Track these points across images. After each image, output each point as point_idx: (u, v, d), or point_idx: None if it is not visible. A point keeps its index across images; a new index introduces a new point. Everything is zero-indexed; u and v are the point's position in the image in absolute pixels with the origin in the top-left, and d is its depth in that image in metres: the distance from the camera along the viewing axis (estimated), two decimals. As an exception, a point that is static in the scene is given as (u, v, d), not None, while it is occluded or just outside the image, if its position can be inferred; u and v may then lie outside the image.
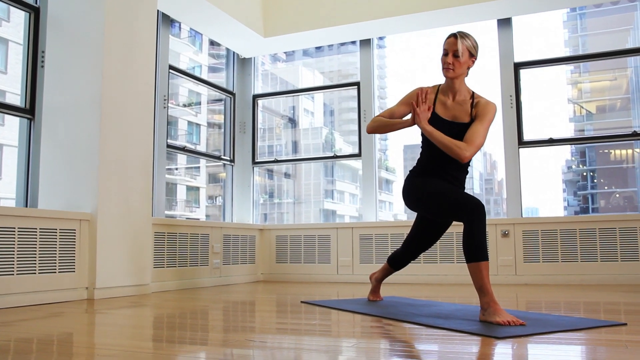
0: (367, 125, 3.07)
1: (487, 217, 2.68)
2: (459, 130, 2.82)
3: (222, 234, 5.32)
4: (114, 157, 3.98)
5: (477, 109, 2.83)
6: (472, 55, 2.84)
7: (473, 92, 2.91)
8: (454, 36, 2.83)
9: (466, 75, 2.89)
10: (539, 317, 2.64)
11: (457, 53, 2.80)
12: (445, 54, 2.84)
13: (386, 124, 2.97)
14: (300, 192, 7.76)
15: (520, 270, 5.00)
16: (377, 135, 6.06)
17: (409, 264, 3.63)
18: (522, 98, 5.44)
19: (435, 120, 2.87)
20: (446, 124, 2.85)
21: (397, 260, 3.37)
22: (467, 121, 2.83)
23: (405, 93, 3.03)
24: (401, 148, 7.98)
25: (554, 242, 4.94)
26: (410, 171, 3.04)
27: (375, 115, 3.12)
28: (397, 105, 3.03)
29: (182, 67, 5.95)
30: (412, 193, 2.94)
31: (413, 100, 2.85)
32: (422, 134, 2.91)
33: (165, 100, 5.14)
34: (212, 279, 5.11)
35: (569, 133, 6.43)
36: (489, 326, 2.33)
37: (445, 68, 2.83)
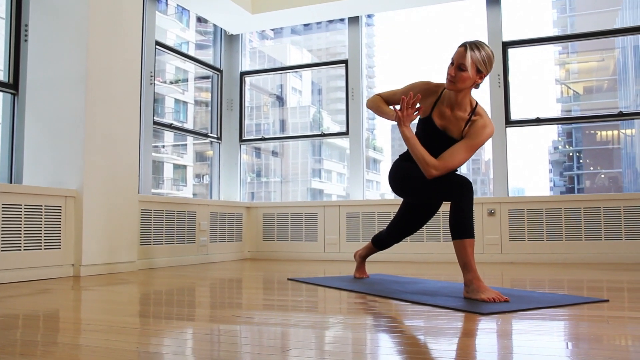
0: (368, 100, 3.02)
1: (474, 195, 2.67)
2: (446, 142, 2.71)
3: (209, 212, 5.32)
4: (100, 133, 3.95)
5: (470, 128, 2.65)
6: (480, 72, 2.58)
7: (475, 108, 2.69)
8: (463, 46, 2.58)
9: (475, 88, 2.67)
10: (523, 294, 2.66)
11: (463, 67, 2.56)
12: (452, 64, 2.60)
13: (378, 108, 2.93)
14: (288, 170, 7.76)
15: (505, 249, 5.04)
16: (365, 114, 6.05)
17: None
18: (510, 78, 5.44)
19: (427, 124, 2.76)
20: (436, 131, 2.73)
21: (381, 242, 3.37)
22: (457, 137, 2.69)
23: (411, 81, 2.89)
24: (389, 128, 7.99)
25: (540, 221, 4.99)
26: (399, 155, 3.02)
27: (377, 93, 3.04)
28: (399, 90, 2.92)
29: (169, 43, 5.88)
30: (398, 176, 2.92)
31: (408, 96, 2.68)
32: (419, 119, 2.83)
33: (151, 77, 5.09)
34: (198, 257, 5.11)
35: (556, 113, 6.46)
36: (473, 303, 2.35)
37: (448, 80, 2.61)
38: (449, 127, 2.71)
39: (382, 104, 2.94)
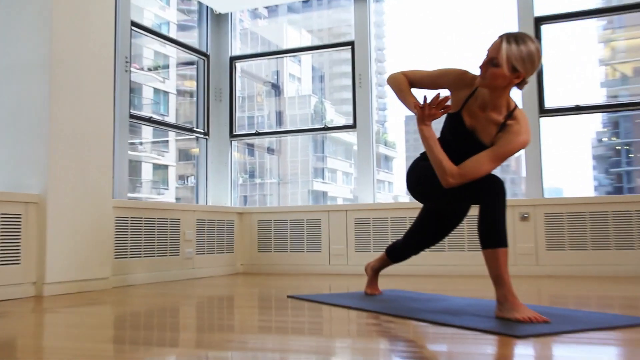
0: (390, 77, 2.96)
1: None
2: (473, 145, 2.68)
3: (195, 219, 5.30)
4: (67, 128, 3.93)
5: (502, 134, 2.60)
6: (516, 70, 2.50)
7: (512, 111, 2.62)
8: (500, 38, 2.51)
9: (519, 88, 2.61)
10: (565, 313, 2.63)
11: (495, 61, 2.50)
12: (486, 57, 2.55)
13: (400, 91, 2.89)
14: (286, 170, 7.74)
15: (542, 260, 5.00)
16: (375, 104, 6.03)
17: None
18: (544, 59, 5.41)
19: (456, 121, 2.73)
20: (464, 131, 2.71)
21: (397, 253, 3.36)
22: (486, 142, 2.65)
23: (447, 66, 2.82)
24: (402, 119, 7.97)
25: (582, 227, 4.95)
26: (420, 154, 2.99)
27: (402, 71, 2.98)
28: (429, 73, 2.86)
29: (147, 24, 5.86)
30: (415, 177, 2.91)
31: (435, 95, 2.61)
32: (448, 113, 2.77)
33: (126, 63, 5.08)
34: (183, 271, 5.09)
35: (600, 99, 6.42)
36: (506, 323, 2.33)
37: (479, 75, 2.57)
38: (478, 128, 2.69)
39: (406, 87, 2.90)
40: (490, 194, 2.56)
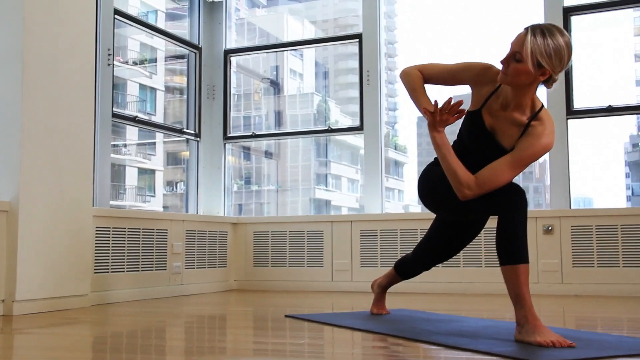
0: (403, 72, 2.95)
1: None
2: (492, 149, 2.68)
3: (185, 230, 5.30)
4: (42, 129, 3.93)
5: (523, 137, 2.60)
6: (542, 66, 2.48)
7: (538, 112, 2.62)
8: (525, 30, 2.50)
9: (547, 86, 2.62)
10: (593, 337, 2.63)
11: (519, 56, 2.49)
12: (509, 51, 2.55)
13: (413, 90, 2.88)
14: (285, 176, 7.74)
15: (568, 278, 4.99)
16: (384, 104, 6.03)
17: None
18: (573, 54, 5.40)
19: (475, 119, 2.72)
20: (483, 131, 2.70)
21: (406, 269, 3.36)
22: (506, 146, 2.65)
23: (468, 60, 2.82)
24: (414, 121, 7.96)
25: (614, 242, 4.93)
26: (434, 158, 2.99)
27: (417, 65, 2.97)
28: (448, 67, 2.86)
29: (132, 12, 5.88)
30: (428, 184, 2.91)
31: (475, 79, 2.62)
32: (467, 111, 2.76)
33: (109, 55, 5.09)
34: (170, 288, 5.09)
35: (636, 100, 6.39)
36: (527, 348, 2.33)
37: (501, 71, 2.57)
38: (498, 129, 2.69)
39: (420, 87, 2.89)
40: (510, 205, 2.55)
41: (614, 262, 4.92)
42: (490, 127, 2.70)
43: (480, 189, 2.59)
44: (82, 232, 4.18)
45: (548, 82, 2.58)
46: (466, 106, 2.73)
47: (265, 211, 7.54)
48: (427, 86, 2.93)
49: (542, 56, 2.46)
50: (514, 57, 2.51)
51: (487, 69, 2.73)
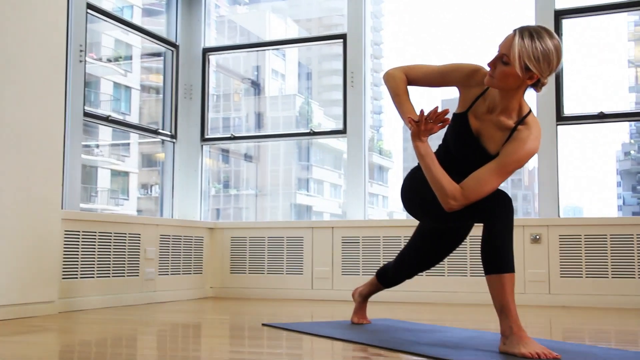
0: (387, 75, 2.95)
1: (514, 216, 2.65)
2: (477, 154, 2.70)
3: (159, 234, 5.28)
4: (8, 127, 3.90)
5: (510, 142, 2.61)
6: (529, 70, 2.49)
7: (526, 116, 2.64)
8: (513, 32, 2.52)
9: (536, 90, 2.62)
10: (580, 349, 2.64)
11: (506, 59, 2.50)
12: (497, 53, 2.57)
13: (397, 95, 2.88)
14: (265, 180, 7.74)
15: (555, 288, 5.02)
16: (369, 107, 6.05)
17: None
18: (565, 58, 5.44)
19: (461, 122, 2.74)
20: (468, 135, 2.72)
21: (388, 277, 3.37)
22: (491, 151, 2.67)
23: (458, 61, 2.84)
24: (400, 125, 7.98)
25: (603, 252, 4.97)
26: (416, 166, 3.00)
27: (402, 66, 2.97)
28: (436, 69, 2.87)
29: (106, 7, 5.85)
30: (410, 190, 2.92)
31: (463, 80, 2.64)
32: (454, 113, 2.79)
33: (81, 52, 5.07)
34: (143, 295, 5.07)
35: (629, 106, 6.45)
36: (511, 359, 2.34)
37: (489, 73, 2.59)
38: (483, 133, 2.70)
39: (404, 92, 2.89)
40: (495, 213, 2.57)
41: (603, 272, 4.95)
42: (476, 131, 2.71)
43: (466, 200, 2.60)
44: (49, 236, 4.16)
45: (537, 86, 2.59)
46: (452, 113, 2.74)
47: (244, 216, 7.54)
48: (410, 88, 2.93)
49: (529, 59, 2.47)
50: (501, 59, 2.53)
51: (475, 70, 2.74)
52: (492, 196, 2.60)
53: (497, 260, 2.52)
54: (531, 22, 5.40)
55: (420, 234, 3.16)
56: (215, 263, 5.90)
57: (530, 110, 2.67)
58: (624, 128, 7.64)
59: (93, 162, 7.41)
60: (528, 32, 2.49)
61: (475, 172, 2.62)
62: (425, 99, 2.85)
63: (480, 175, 2.60)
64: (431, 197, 2.73)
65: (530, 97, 2.81)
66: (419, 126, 2.63)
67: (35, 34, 4.11)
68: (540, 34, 2.50)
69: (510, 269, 2.52)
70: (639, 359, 2.37)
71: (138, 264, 5.07)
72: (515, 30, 2.53)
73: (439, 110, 2.59)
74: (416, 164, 3.02)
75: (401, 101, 2.87)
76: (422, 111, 2.61)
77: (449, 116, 2.67)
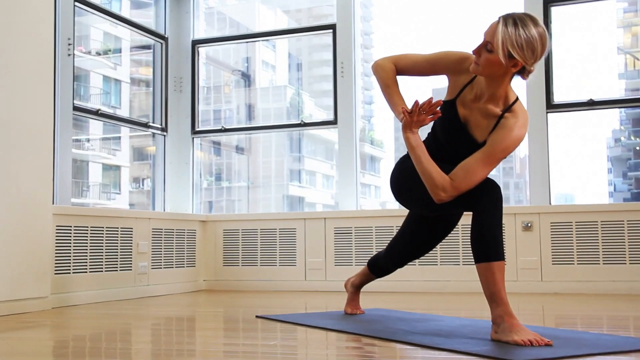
0: (376, 65, 2.95)
1: (504, 204, 2.66)
2: (465, 142, 2.71)
3: (151, 228, 5.28)
4: (-1, 122, 3.89)
5: (497, 130, 2.63)
6: (513, 57, 2.48)
7: (512, 104, 2.65)
8: (498, 19, 2.52)
9: (523, 77, 2.62)
10: (572, 335, 2.65)
11: (490, 46, 2.51)
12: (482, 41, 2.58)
13: (386, 86, 2.88)
14: (257, 172, 7.74)
15: (547, 275, 5.04)
16: (360, 97, 6.05)
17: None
18: (554, 46, 5.45)
19: (449, 110, 2.74)
20: (456, 122, 2.73)
21: (380, 266, 3.38)
22: (478, 139, 2.68)
23: (447, 49, 2.83)
24: (391, 115, 7.99)
25: (594, 239, 4.99)
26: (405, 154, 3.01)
27: (390, 56, 2.97)
28: (424, 57, 2.87)
29: (95, 0, 5.83)
30: (400, 179, 2.92)
31: (452, 68, 2.64)
32: (443, 101, 2.76)
33: (69, 45, 5.05)
34: (136, 289, 5.07)
35: (618, 93, 6.47)
36: (503, 347, 2.35)
37: (474, 61, 2.59)
38: (471, 120, 2.71)
39: (394, 83, 2.89)
40: (484, 201, 2.58)
41: (595, 259, 4.97)
42: (464, 118, 2.72)
43: (456, 191, 2.61)
44: (40, 231, 4.14)
45: (523, 74, 2.59)
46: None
47: (236, 208, 7.54)
48: (399, 78, 2.93)
49: (513, 47, 2.46)
50: (485, 47, 2.53)
51: (464, 58, 2.74)
52: (481, 185, 2.61)
53: (487, 248, 2.53)
54: (520, 9, 5.40)
55: (410, 222, 3.16)
56: (208, 256, 5.90)
57: (517, 98, 2.68)
58: (614, 115, 7.67)
59: (84, 157, 7.40)
60: (512, 20, 2.49)
61: (463, 162, 2.63)
62: (411, 90, 2.84)
63: (469, 165, 2.61)
64: (420, 186, 2.73)
65: (520, 85, 2.83)
66: (412, 117, 2.63)
67: (22, 27, 4.08)
68: (525, 21, 2.49)
69: (500, 257, 2.53)
70: (629, 345, 2.39)
71: (131, 258, 5.06)
72: (500, 18, 2.53)
73: (433, 101, 2.60)
74: (406, 153, 3.03)
75: (391, 92, 2.87)
76: (416, 102, 2.61)
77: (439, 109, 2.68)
